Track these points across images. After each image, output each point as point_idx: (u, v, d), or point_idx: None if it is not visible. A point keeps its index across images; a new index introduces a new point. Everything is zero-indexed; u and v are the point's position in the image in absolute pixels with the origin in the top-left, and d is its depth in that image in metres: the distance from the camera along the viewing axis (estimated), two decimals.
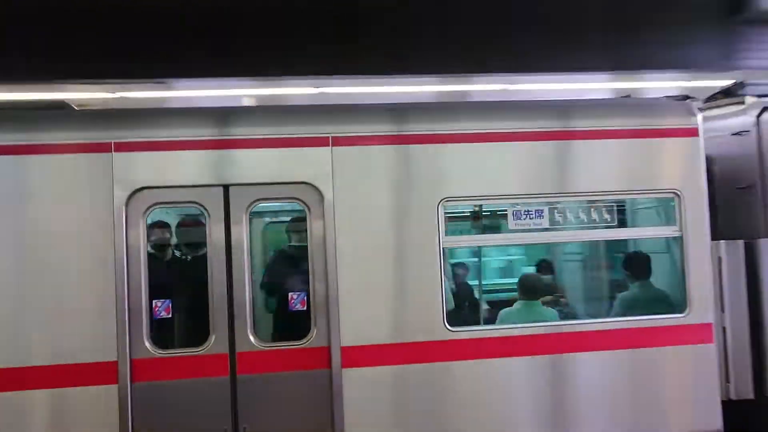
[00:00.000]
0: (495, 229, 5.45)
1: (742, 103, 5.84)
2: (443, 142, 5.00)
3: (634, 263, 5.55)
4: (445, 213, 4.97)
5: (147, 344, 4.59)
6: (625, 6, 8.61)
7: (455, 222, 5.59)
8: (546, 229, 5.17)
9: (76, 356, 4.49)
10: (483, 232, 5.70)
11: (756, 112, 5.63)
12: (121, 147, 4.68)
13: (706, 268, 5.13)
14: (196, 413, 4.62)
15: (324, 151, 4.88)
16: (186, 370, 4.64)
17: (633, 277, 5.54)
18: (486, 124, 5.10)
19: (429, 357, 4.84)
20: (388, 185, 4.93)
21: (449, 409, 4.84)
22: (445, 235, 4.94)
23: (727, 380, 5.24)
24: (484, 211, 5.61)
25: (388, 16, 8.04)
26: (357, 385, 4.74)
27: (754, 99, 5.79)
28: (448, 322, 4.84)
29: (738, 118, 5.71)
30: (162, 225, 5.23)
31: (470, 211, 5.75)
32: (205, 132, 4.83)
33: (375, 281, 4.85)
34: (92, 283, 4.56)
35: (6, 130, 4.66)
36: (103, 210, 4.61)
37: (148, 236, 4.76)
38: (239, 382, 4.68)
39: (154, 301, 4.68)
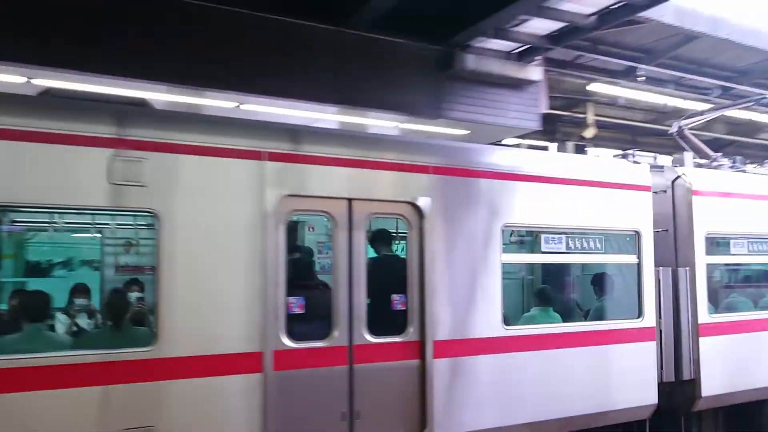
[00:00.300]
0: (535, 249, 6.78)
1: (662, 168, 7.66)
2: (506, 179, 6.16)
3: (602, 282, 7.19)
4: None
5: (283, 337, 5.00)
6: (354, 47, 9.34)
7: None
8: (562, 252, 6.61)
9: (230, 347, 4.83)
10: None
11: (672, 177, 7.55)
12: (273, 157, 5.05)
13: (652, 286, 6.92)
14: (321, 398, 5.16)
15: (424, 177, 5.67)
16: (313, 360, 5.15)
17: (600, 292, 7.16)
18: (535, 168, 6.42)
19: (493, 349, 5.94)
20: (468, 209, 5.90)
21: (507, 388, 6.01)
22: (503, 253, 6.07)
23: (661, 368, 7.00)
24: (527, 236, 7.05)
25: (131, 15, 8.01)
26: (444, 372, 5.61)
27: (670, 167, 7.72)
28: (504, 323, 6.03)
29: (659, 180, 7.35)
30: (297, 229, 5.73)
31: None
32: (337, 150, 5.34)
33: (457, 287, 5.76)
34: (245, 279, 4.92)
35: (186, 131, 4.88)
36: (255, 213, 4.95)
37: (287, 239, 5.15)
38: (355, 371, 5.29)
39: (288, 299, 5.07)
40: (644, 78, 11.65)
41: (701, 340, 7.31)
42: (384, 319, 5.57)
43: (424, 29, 9.62)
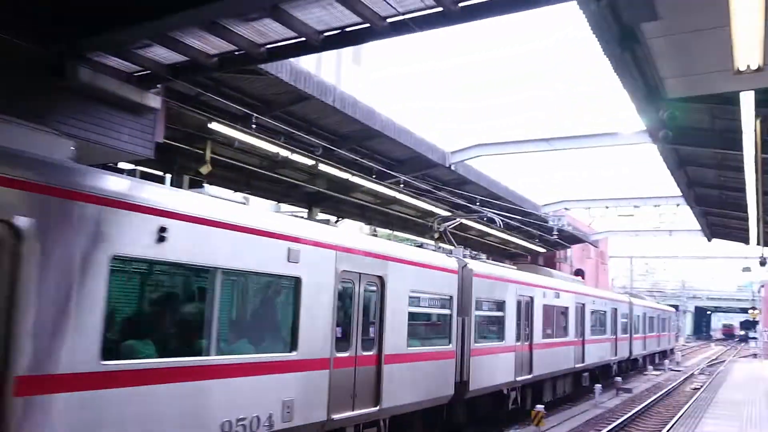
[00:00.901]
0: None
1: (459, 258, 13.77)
2: (415, 266, 11.54)
3: (435, 323, 12.53)
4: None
5: (334, 350, 9.21)
6: None
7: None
8: (427, 307, 12.20)
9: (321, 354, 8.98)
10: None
11: (462, 264, 13.53)
12: (340, 249, 9.42)
13: (455, 327, 12.79)
14: (345, 385, 9.39)
15: (386, 263, 10.61)
16: (343, 363, 9.41)
17: (436, 329, 12.51)
18: (421, 258, 12.12)
19: (405, 360, 10.79)
20: (399, 280, 10.91)
21: (408, 381, 10.94)
22: (408, 306, 11.19)
23: (455, 373, 12.65)
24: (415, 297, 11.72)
25: None
26: (387, 372, 10.28)
27: (460, 258, 13.93)
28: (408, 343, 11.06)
29: (456, 264, 13.23)
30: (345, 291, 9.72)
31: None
32: (348, 244, 9.85)
33: (393, 324, 10.64)
34: (326, 316, 9.10)
35: None
36: (330, 278, 9.20)
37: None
38: (357, 371, 9.72)
39: (336, 327, 9.28)
40: (255, 126, 12.44)
41: (471, 358, 13.22)
42: (366, 341, 9.91)
43: (37, 30, 8.74)
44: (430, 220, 18.05)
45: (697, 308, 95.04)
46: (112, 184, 6.46)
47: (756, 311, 49.92)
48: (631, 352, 29.42)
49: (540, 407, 14.75)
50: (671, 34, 6.88)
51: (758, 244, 22.25)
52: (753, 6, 5.19)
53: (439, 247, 14.43)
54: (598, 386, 20.91)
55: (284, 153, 13.96)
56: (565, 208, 27.39)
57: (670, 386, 26.31)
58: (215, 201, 7.75)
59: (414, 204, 19.95)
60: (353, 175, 15.91)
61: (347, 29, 8.27)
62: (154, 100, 10.19)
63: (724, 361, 40.42)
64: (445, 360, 12.19)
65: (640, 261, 73.37)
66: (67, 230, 5.86)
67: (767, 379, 24.35)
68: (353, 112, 13.53)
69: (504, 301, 15.03)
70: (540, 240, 29.25)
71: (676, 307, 65.05)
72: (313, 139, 14.46)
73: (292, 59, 10.72)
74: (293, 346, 8.39)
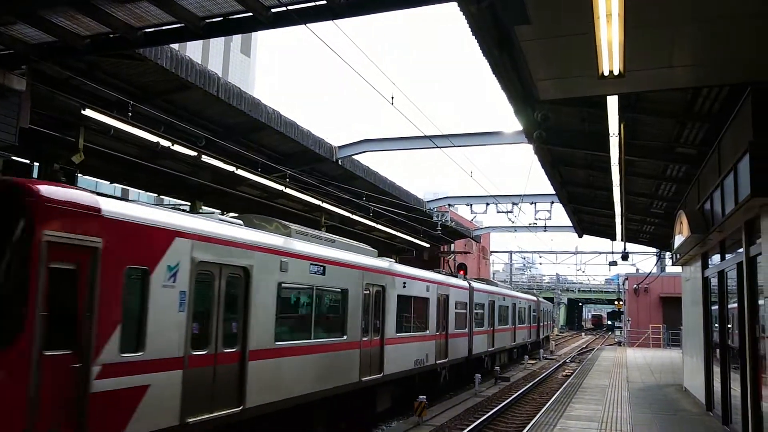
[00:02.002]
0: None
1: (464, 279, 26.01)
2: (456, 288, 23.90)
3: (454, 318, 22.92)
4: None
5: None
6: None
7: None
8: (459, 310, 23.74)
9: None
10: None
11: (469, 283, 25.43)
12: (435, 282, 20.77)
13: (468, 318, 25.03)
14: (440, 349, 20.75)
15: (467, 292, 24.80)
16: (440, 337, 20.81)
17: (461, 321, 24.06)
18: (449, 282, 23.39)
19: (454, 336, 22.53)
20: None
21: (459, 346, 23.40)
22: (454, 309, 23.16)
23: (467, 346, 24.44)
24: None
25: None
26: (451, 342, 22.41)
27: (465, 279, 26.05)
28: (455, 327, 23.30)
29: (464, 284, 24.82)
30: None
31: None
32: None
33: (451, 319, 22.89)
34: (434, 313, 20.51)
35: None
36: (435, 297, 20.56)
37: None
38: (449, 342, 21.88)
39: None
40: (132, 114, 11.88)
41: (473, 336, 24.66)
42: (444, 326, 21.27)
43: None
44: (446, 257, 33.72)
45: (570, 300, 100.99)
46: (401, 268, 17.75)
47: (621, 302, 53.72)
48: (538, 336, 41.91)
49: (422, 397, 15.12)
50: (542, 37, 7.25)
51: (622, 240, 23.95)
52: (614, 14, 5.57)
53: (440, 271, 24.01)
54: (477, 376, 21.75)
55: (165, 143, 13.42)
56: (449, 205, 28.20)
57: (545, 374, 27.81)
58: (411, 268, 19.03)
59: (301, 198, 19.81)
60: (238, 168, 15.57)
61: (230, 17, 8.08)
62: (18, 83, 9.49)
63: (593, 350, 43.17)
64: (465, 337, 23.43)
65: (519, 255, 76.96)
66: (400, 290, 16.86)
67: (629, 366, 26.27)
68: (238, 103, 13.24)
69: (484, 304, 26.48)
70: (424, 235, 29.96)
71: (551, 299, 68.79)
72: (195, 129, 14.01)
73: (174, 45, 10.35)
74: (427, 327, 18.95)
